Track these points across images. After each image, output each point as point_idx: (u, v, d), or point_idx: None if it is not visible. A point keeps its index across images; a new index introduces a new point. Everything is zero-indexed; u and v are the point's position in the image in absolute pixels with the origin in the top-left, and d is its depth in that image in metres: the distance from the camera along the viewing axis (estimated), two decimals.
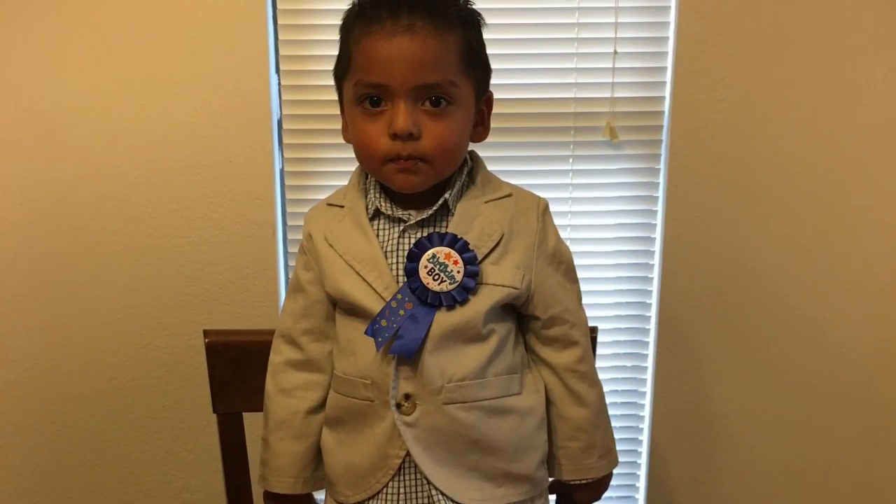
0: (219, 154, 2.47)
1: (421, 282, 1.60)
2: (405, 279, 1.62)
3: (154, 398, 2.62)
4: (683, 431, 2.68)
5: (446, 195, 1.65)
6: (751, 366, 2.63)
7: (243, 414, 2.03)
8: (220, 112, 2.45)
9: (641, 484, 2.77)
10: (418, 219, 1.65)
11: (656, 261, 2.60)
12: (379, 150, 1.59)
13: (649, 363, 2.68)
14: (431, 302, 1.60)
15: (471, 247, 1.62)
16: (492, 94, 1.74)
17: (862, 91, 2.46)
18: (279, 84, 2.50)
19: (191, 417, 2.63)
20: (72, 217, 2.49)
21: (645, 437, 2.74)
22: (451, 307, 1.61)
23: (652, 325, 2.65)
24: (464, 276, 1.60)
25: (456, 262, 1.60)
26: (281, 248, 2.57)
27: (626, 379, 2.71)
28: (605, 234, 2.60)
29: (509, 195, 1.72)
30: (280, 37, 2.47)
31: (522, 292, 1.66)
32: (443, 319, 1.60)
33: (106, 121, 2.44)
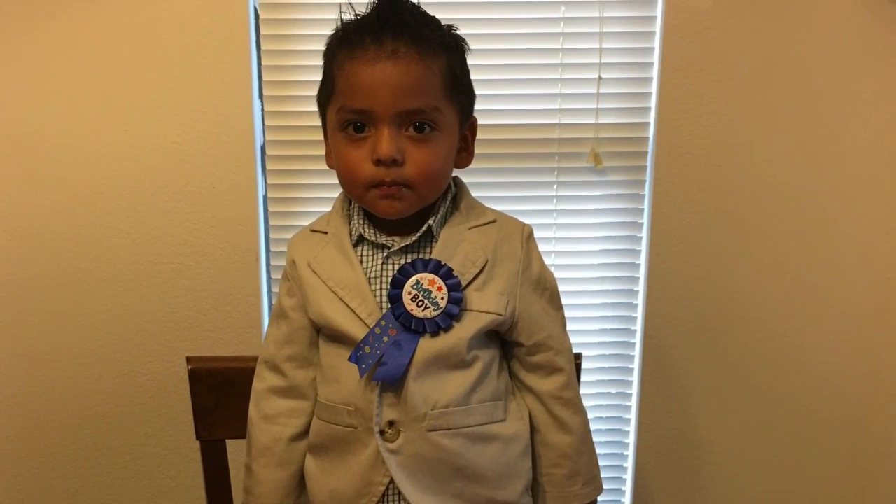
0: (202, 180, 2.47)
1: (405, 308, 1.59)
2: (389, 305, 1.61)
3: (137, 425, 2.61)
4: (668, 458, 2.68)
5: (430, 221, 1.65)
6: (736, 392, 2.63)
7: (226, 441, 2.02)
8: (203, 138, 2.45)
9: None
10: (402, 245, 1.65)
11: (641, 287, 2.60)
12: (363, 176, 1.59)
13: (634, 390, 2.68)
14: (415, 328, 1.59)
15: (455, 273, 1.61)
16: (476, 120, 1.74)
17: (848, 116, 2.46)
18: (262, 110, 2.49)
19: (173, 444, 2.62)
20: (54, 243, 2.48)
21: (629, 463, 2.73)
22: (434, 334, 1.60)
23: (636, 352, 2.65)
24: (448, 302, 1.60)
25: (440, 289, 1.60)
26: (264, 275, 2.57)
27: (611, 405, 2.70)
28: (590, 260, 2.60)
29: (493, 221, 1.72)
30: (263, 62, 2.47)
31: (507, 319, 1.66)
32: (427, 346, 1.60)
33: (88, 147, 2.44)
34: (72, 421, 2.60)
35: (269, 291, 2.59)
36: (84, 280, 2.51)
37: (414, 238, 1.64)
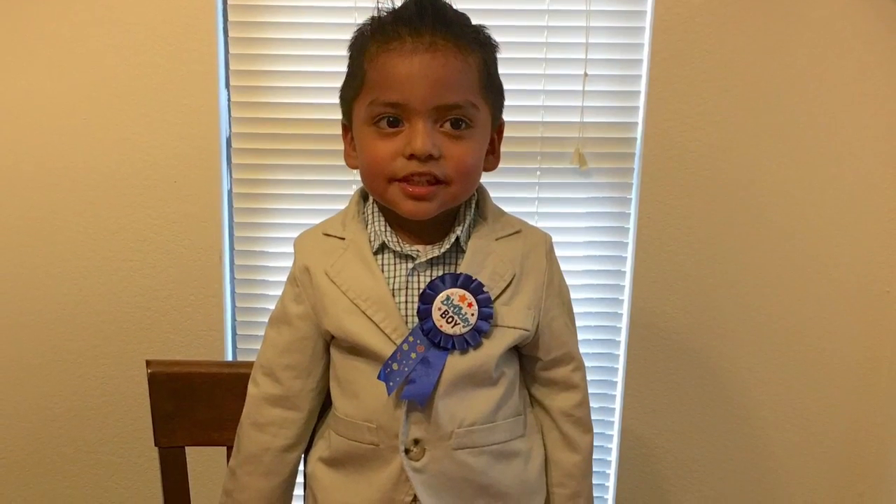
0: (163, 173, 2.39)
1: (434, 324, 1.53)
2: (414, 320, 1.55)
3: (92, 431, 2.53)
4: (649, 471, 2.63)
5: (458, 232, 1.59)
6: (720, 403, 2.58)
7: (186, 448, 1.95)
8: (166, 129, 2.37)
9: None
10: (429, 257, 1.58)
11: (626, 295, 2.54)
12: (391, 170, 1.52)
13: (618, 391, 2.63)
14: (444, 345, 1.54)
15: (485, 288, 1.54)
16: (504, 123, 1.69)
17: (844, 116, 2.39)
18: (229, 100, 2.39)
19: (129, 452, 2.55)
20: (1, 237, 2.41)
21: (612, 470, 2.69)
22: (464, 351, 1.55)
23: (621, 352, 2.60)
24: (478, 318, 1.55)
25: (470, 305, 1.55)
26: (227, 275, 2.48)
27: (595, 407, 2.63)
28: (573, 266, 2.51)
29: (518, 231, 1.68)
30: (231, 50, 2.37)
31: (532, 333, 1.62)
32: (455, 363, 1.55)
33: (42, 136, 2.36)
34: (22, 424, 2.53)
35: (233, 292, 2.51)
36: (36, 276, 2.43)
37: (442, 250, 1.58)
